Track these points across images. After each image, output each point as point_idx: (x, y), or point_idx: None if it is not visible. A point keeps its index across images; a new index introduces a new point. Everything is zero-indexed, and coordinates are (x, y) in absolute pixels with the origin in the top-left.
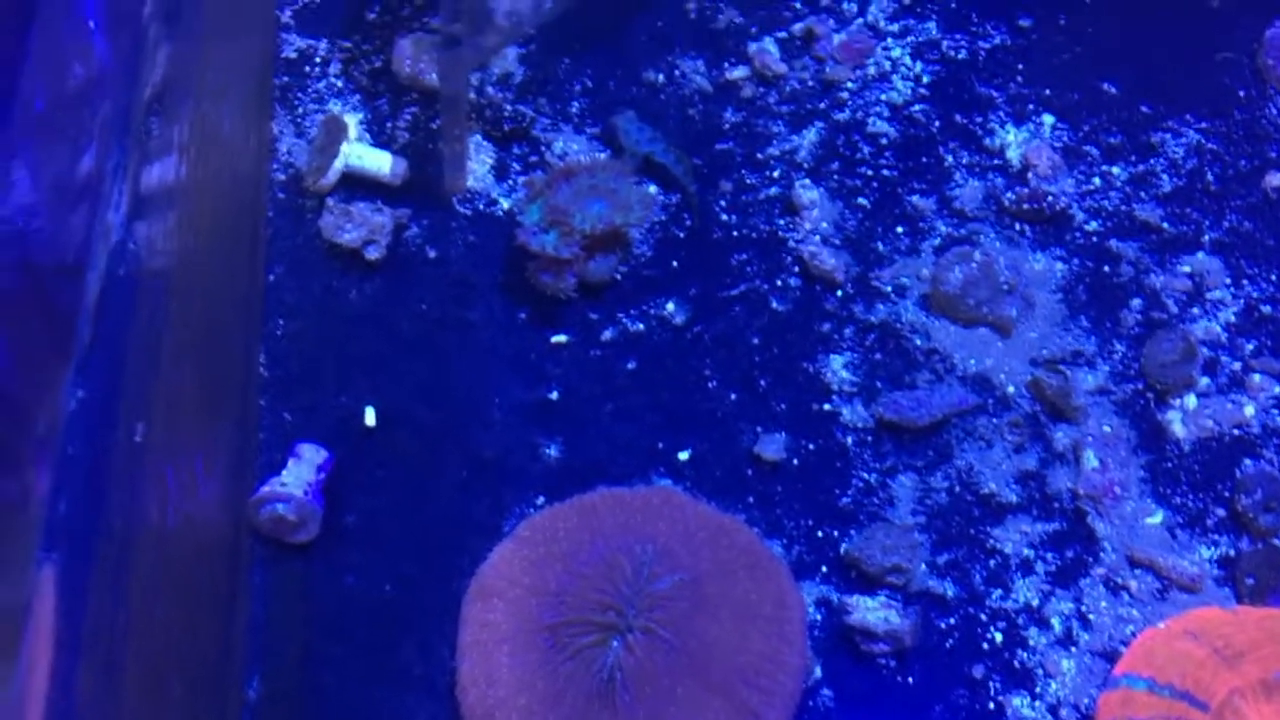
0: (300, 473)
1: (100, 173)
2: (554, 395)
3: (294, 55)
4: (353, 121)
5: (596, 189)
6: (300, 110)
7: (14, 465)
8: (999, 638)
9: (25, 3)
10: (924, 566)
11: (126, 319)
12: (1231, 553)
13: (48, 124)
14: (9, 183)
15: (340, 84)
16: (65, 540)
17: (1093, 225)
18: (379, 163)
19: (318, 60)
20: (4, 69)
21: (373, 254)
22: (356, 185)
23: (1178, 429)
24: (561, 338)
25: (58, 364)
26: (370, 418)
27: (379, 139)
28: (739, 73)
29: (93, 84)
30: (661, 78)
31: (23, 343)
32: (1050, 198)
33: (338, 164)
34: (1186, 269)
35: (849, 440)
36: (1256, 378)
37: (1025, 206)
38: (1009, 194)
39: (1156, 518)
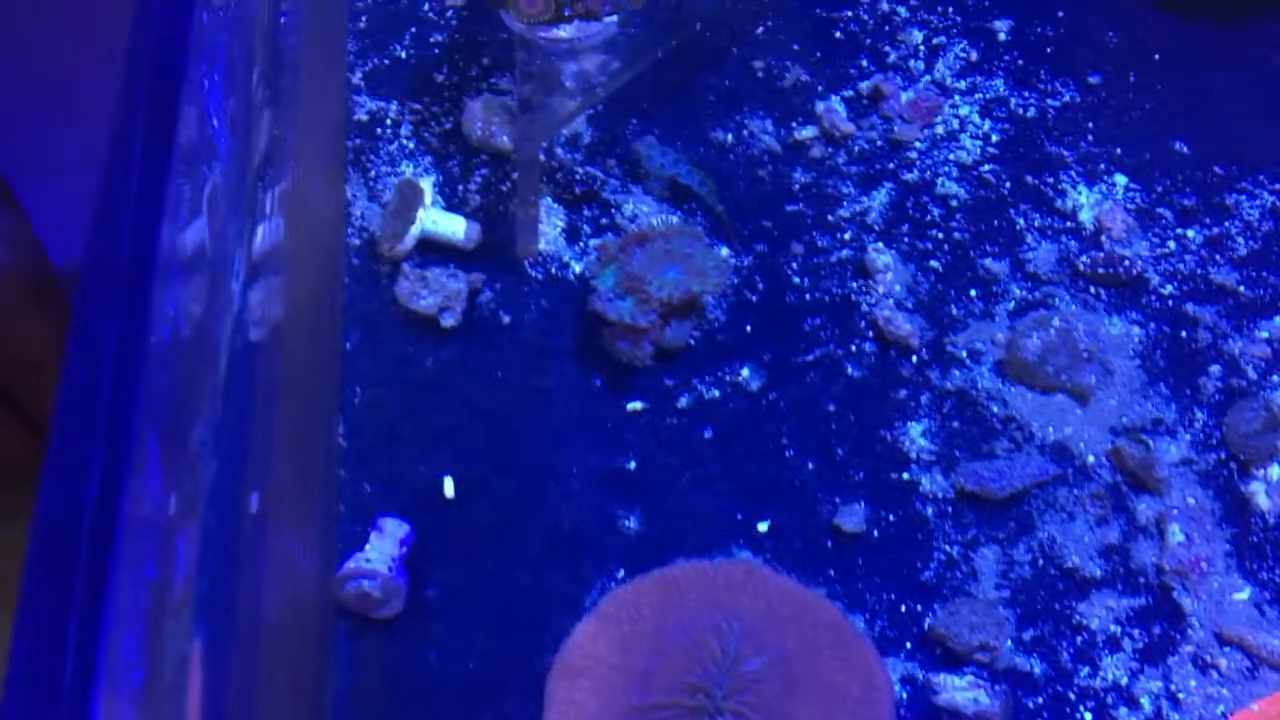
0: (383, 547)
1: (221, 239)
2: (631, 464)
3: (365, 118)
4: (428, 186)
5: (671, 254)
6: (373, 173)
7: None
8: (1089, 718)
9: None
10: (1010, 643)
11: (248, 391)
12: None
13: None
14: None
15: (411, 146)
16: (207, 617)
17: (1169, 289)
18: (453, 227)
19: (389, 122)
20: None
21: (448, 320)
22: (430, 249)
23: (1262, 501)
24: (637, 405)
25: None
26: (449, 488)
27: (451, 202)
28: (807, 132)
29: (200, 154)
30: (730, 138)
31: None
32: (1126, 262)
33: (414, 230)
34: (1265, 334)
35: (929, 511)
36: None
37: (1100, 271)
38: (1083, 257)
39: (1244, 594)
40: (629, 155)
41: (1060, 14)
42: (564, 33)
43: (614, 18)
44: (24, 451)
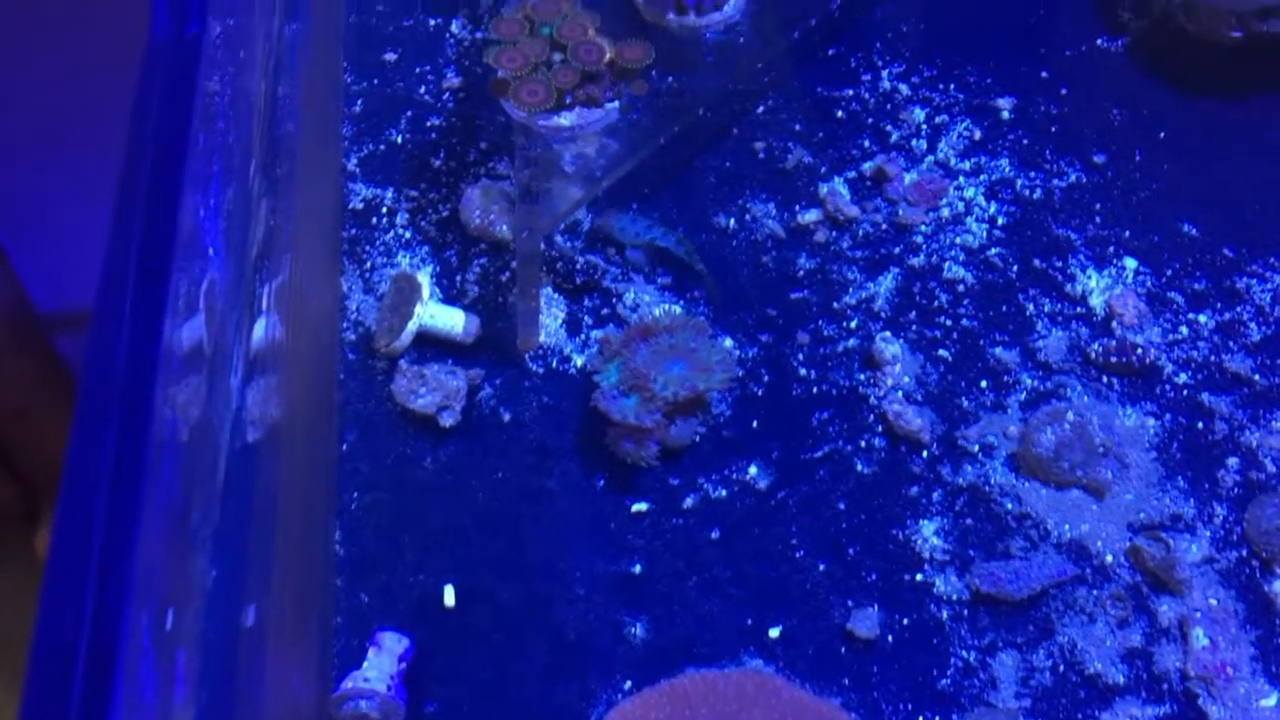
0: (382, 664)
1: (220, 335)
2: (637, 569)
3: (361, 206)
4: (426, 280)
5: (676, 349)
6: (369, 264)
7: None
8: None
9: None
10: None
11: (246, 496)
12: None
13: None
14: None
15: (408, 235)
16: None
17: (1183, 378)
18: (452, 322)
19: (384, 211)
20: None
21: (447, 420)
22: (428, 344)
23: None
24: (642, 506)
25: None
26: (449, 597)
27: (448, 293)
28: (811, 216)
29: (199, 247)
30: (732, 222)
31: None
32: (1139, 350)
33: (412, 326)
34: None
35: (945, 614)
36: None
37: (1113, 360)
38: (1095, 345)
39: (1270, 700)
40: (598, 231)
41: (1064, 91)
42: (565, 120)
43: (615, 104)
44: (7, 497)
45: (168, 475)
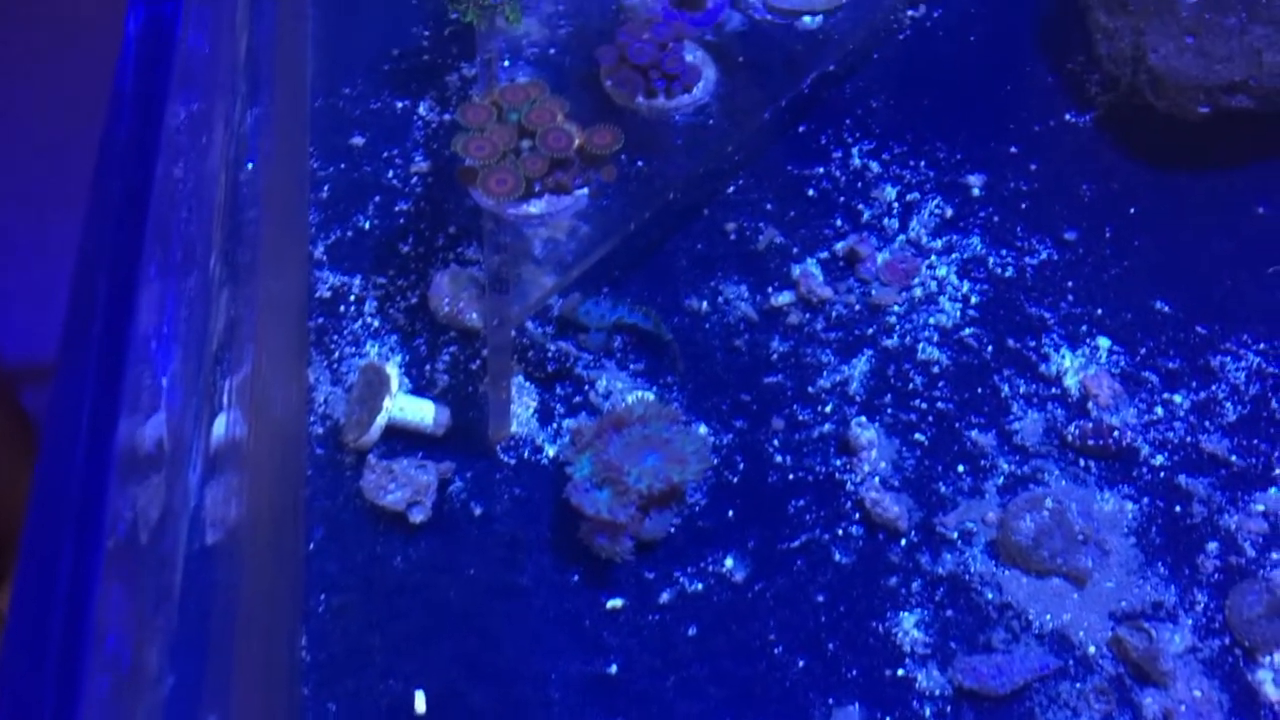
0: None
1: (178, 432)
2: (613, 668)
3: (328, 294)
4: (394, 372)
5: (649, 440)
6: (336, 354)
7: None
8: None
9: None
10: None
11: (205, 600)
12: None
13: None
14: None
15: (376, 324)
16: None
17: (1159, 459)
18: (422, 414)
19: (352, 299)
20: None
21: (417, 516)
22: (397, 436)
23: (1271, 691)
24: (617, 602)
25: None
26: (420, 703)
27: (418, 383)
28: (784, 298)
29: (158, 339)
30: (705, 305)
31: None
32: (1115, 433)
33: (380, 420)
34: (1260, 508)
35: (928, 711)
36: None
37: (1090, 443)
38: (1071, 427)
39: None
40: (562, 320)
41: (1033, 167)
42: (534, 208)
43: (585, 190)
44: None
45: (123, 583)
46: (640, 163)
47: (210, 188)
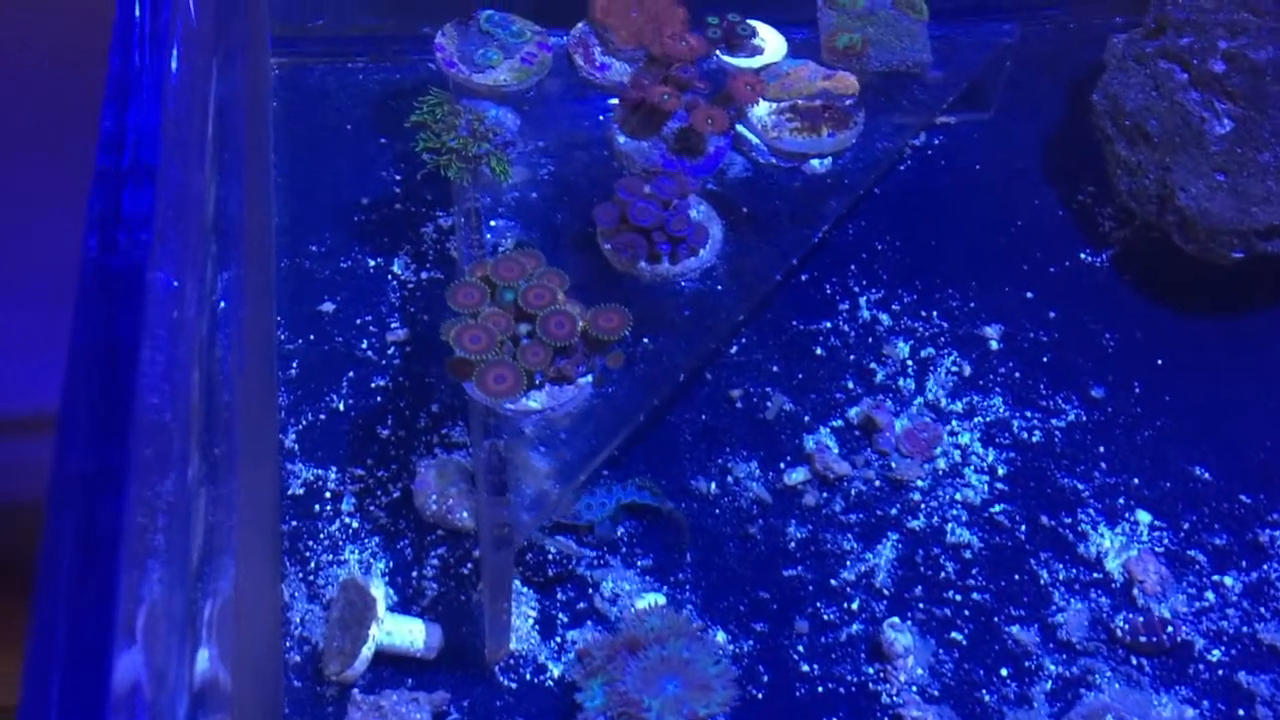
0: None
1: (161, 675)
2: None
3: (301, 491)
4: (380, 591)
5: (667, 662)
6: (313, 564)
7: None
8: None
9: None
10: None
11: None
12: None
13: None
14: None
15: (355, 525)
16: None
17: (1216, 654)
18: (411, 637)
19: (328, 495)
20: None
21: None
22: (384, 662)
23: None
24: None
25: None
26: None
27: (404, 593)
28: (798, 475)
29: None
30: (713, 486)
31: None
32: (1169, 629)
33: (366, 651)
34: None
35: None
36: None
37: (1141, 640)
38: (1120, 620)
39: None
40: (569, 522)
41: (1051, 314)
42: (534, 403)
43: (589, 378)
44: None
45: None
46: (646, 340)
47: (184, 371)
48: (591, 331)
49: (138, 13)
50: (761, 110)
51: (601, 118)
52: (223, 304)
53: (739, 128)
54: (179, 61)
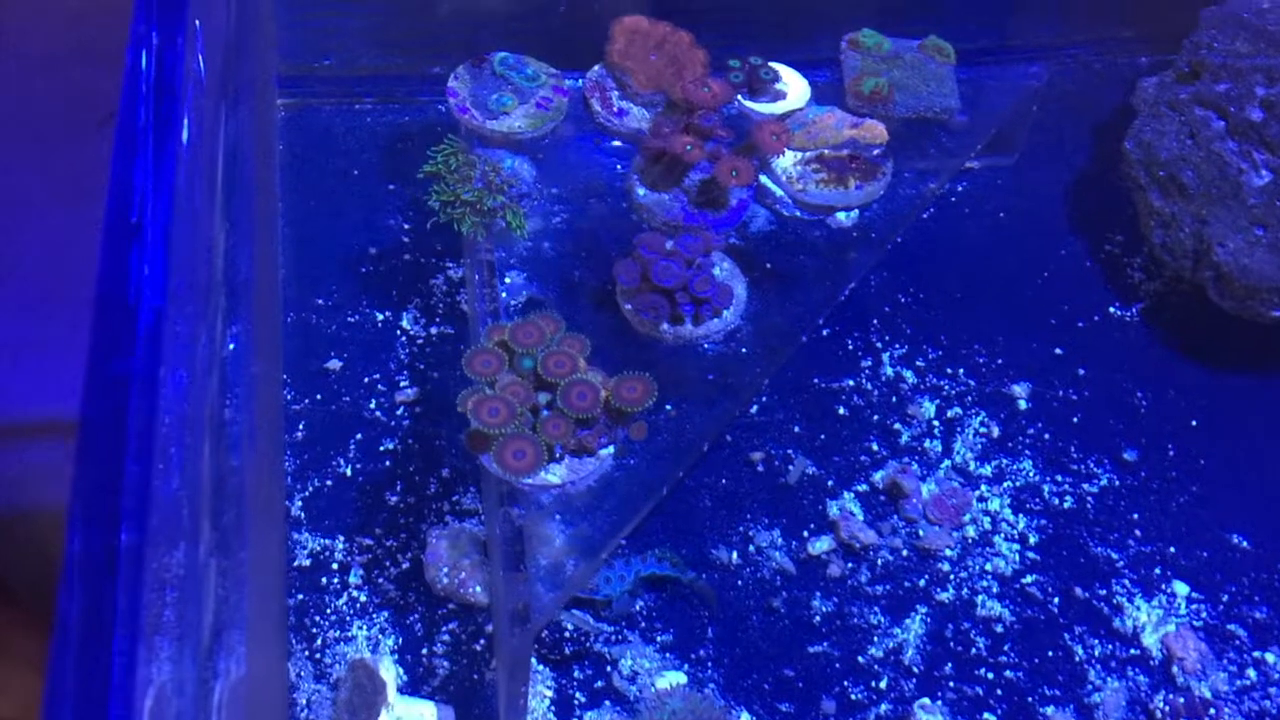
0: None
1: None
2: None
3: (308, 562)
4: (390, 674)
5: None
6: (319, 640)
7: None
8: None
9: None
10: None
11: None
12: None
13: None
14: None
15: (364, 598)
16: None
17: None
18: None
19: (335, 567)
20: None
21: None
22: None
23: None
24: None
25: None
26: None
27: (414, 671)
28: (823, 544)
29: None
30: (735, 556)
31: None
32: (1211, 711)
33: None
34: None
35: None
36: None
37: None
38: (1158, 700)
39: None
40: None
41: (1081, 372)
42: (554, 476)
43: (610, 449)
44: None
45: None
46: (669, 407)
47: (196, 433)
48: (614, 402)
49: (144, 64)
50: (786, 161)
51: (620, 166)
52: (232, 362)
53: (762, 178)
54: (188, 112)
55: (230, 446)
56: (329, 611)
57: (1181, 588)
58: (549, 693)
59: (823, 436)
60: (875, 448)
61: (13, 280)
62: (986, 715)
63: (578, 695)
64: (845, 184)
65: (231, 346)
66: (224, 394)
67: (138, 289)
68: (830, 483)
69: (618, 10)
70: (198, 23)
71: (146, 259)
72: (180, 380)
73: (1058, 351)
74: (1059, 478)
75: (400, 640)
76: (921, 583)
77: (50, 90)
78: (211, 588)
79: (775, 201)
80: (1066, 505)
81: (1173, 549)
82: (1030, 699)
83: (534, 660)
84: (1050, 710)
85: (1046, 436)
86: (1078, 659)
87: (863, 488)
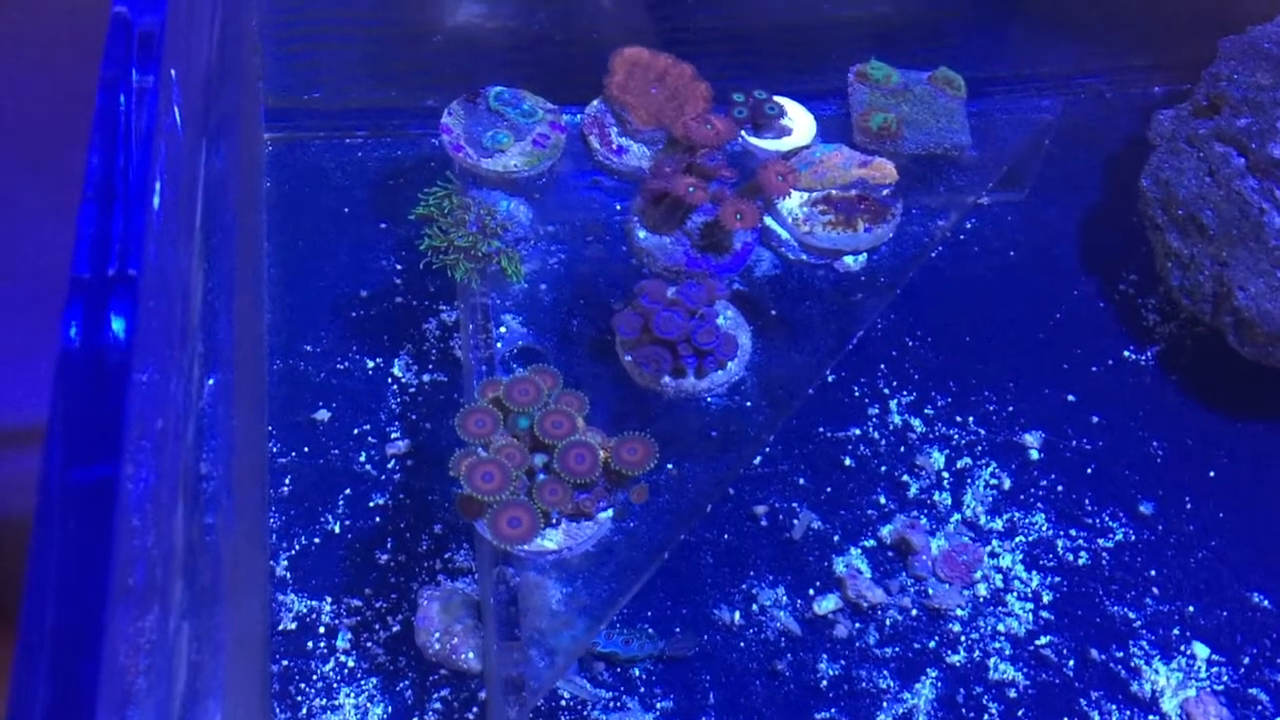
0: None
1: None
2: None
3: (293, 625)
4: None
5: None
6: (305, 709)
7: None
8: None
9: None
10: None
11: None
12: None
13: None
14: None
15: (351, 663)
16: None
17: None
18: None
19: (322, 630)
20: None
21: None
22: None
23: None
24: None
25: None
26: None
27: None
28: (829, 603)
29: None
30: (738, 616)
31: None
32: None
33: None
34: None
35: None
36: None
37: None
38: None
39: None
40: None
41: (1095, 419)
42: (550, 542)
43: (609, 513)
44: None
45: None
46: (670, 465)
47: (170, 488)
48: (614, 465)
49: (121, 103)
50: (792, 201)
51: (619, 206)
52: (209, 412)
53: (767, 220)
54: (165, 153)
55: (206, 503)
56: (315, 678)
57: (1202, 649)
58: None
59: (828, 489)
60: (883, 500)
61: (9, 286)
62: None
63: None
64: (854, 227)
65: (208, 395)
66: (200, 446)
67: (103, 336)
68: (836, 538)
69: (617, 41)
70: (173, 72)
71: (119, 311)
72: (153, 433)
73: (1070, 398)
74: (1073, 532)
75: (390, 709)
76: (932, 644)
77: (46, 95)
78: (185, 653)
79: (780, 244)
80: (1081, 561)
81: (1191, 608)
82: None
83: None
84: None
85: (1059, 488)
86: None
87: (870, 543)
